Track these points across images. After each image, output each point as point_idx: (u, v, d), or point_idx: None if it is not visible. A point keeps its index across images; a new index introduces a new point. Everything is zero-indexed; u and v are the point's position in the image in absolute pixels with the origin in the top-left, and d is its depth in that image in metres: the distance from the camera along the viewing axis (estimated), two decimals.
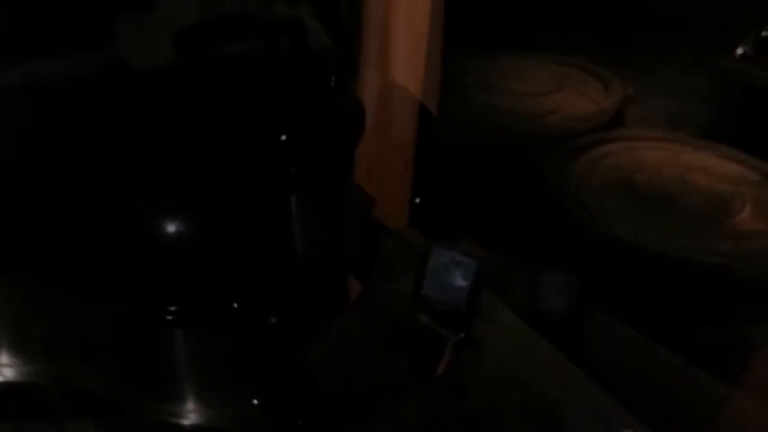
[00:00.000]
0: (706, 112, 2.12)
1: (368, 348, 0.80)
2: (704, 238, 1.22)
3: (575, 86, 1.69)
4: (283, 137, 0.78)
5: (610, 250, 1.24)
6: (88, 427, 0.70)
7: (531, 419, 0.71)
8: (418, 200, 0.91)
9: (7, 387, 0.73)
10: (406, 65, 1.17)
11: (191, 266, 0.74)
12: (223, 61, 0.78)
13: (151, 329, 0.74)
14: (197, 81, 0.75)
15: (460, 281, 0.80)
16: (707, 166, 1.42)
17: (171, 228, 0.70)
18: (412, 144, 1.42)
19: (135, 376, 0.73)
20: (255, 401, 0.74)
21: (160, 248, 0.71)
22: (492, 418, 0.72)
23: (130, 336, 0.74)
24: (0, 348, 0.75)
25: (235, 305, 0.75)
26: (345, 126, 0.87)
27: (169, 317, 0.72)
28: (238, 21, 0.80)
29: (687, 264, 1.16)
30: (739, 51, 1.76)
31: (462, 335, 0.77)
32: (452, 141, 1.61)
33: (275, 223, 0.77)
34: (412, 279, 0.86)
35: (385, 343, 0.79)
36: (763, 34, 1.75)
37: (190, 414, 0.70)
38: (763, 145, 1.55)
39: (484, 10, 1.83)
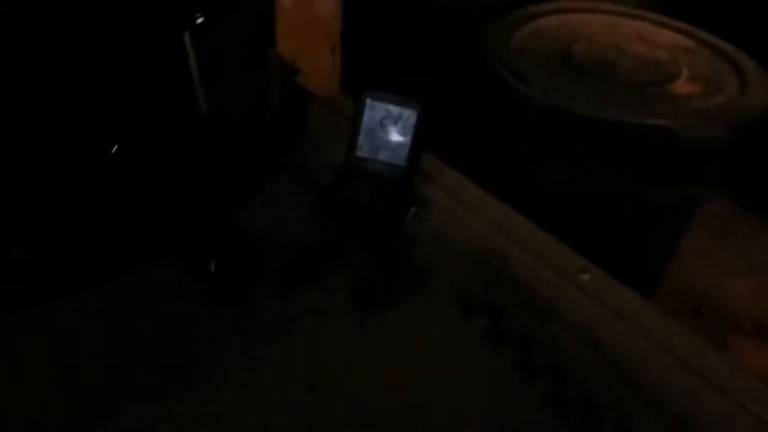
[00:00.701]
0: None
1: (297, 217, 0.70)
2: (644, 103, 1.16)
3: None
4: None
5: (550, 120, 1.17)
6: None
7: (479, 272, 0.64)
8: None
9: None
10: None
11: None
12: None
13: None
14: None
15: (399, 137, 0.70)
16: (642, 35, 1.36)
17: None
18: (337, 18, 1.29)
19: None
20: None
21: None
22: (438, 273, 0.64)
23: None
24: None
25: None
26: None
27: None
28: None
29: (629, 128, 1.11)
30: None
31: (411, 210, 0.68)
32: (382, 14, 1.49)
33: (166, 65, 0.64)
34: (342, 147, 0.77)
35: (317, 211, 0.70)
36: None
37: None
38: (692, 11, 1.51)
39: None
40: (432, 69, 1.48)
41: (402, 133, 0.70)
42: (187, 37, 0.63)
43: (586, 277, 0.62)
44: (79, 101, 0.61)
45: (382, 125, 0.71)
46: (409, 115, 0.70)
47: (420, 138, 0.70)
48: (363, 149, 0.71)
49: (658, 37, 1.35)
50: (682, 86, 1.22)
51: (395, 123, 0.70)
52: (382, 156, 0.71)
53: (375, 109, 0.70)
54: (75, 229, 0.66)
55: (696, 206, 1.25)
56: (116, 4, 0.60)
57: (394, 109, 0.70)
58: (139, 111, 0.64)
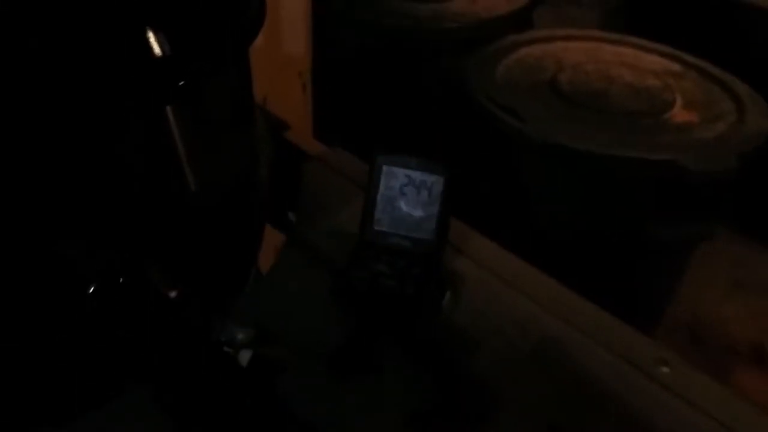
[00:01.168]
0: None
1: (309, 308, 0.59)
2: (643, 135, 1.09)
3: None
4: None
5: (545, 156, 1.09)
6: None
7: (540, 368, 0.54)
8: None
9: None
10: None
11: None
12: None
13: None
14: None
15: (424, 207, 0.59)
16: (627, 60, 1.29)
17: None
18: (307, 56, 1.18)
19: None
20: None
21: None
22: (483, 364, 0.53)
23: None
24: None
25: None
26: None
27: None
28: None
29: (631, 163, 1.03)
30: None
31: (447, 294, 0.57)
32: (354, 50, 1.39)
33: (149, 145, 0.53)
34: (348, 212, 0.65)
35: (334, 299, 0.58)
36: None
37: None
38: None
39: None
40: (406, 104, 1.39)
41: (427, 203, 0.59)
42: (170, 112, 0.51)
43: (666, 370, 0.53)
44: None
45: (403, 194, 0.60)
46: (435, 182, 0.59)
47: (449, 207, 0.59)
48: (381, 222, 0.60)
49: (644, 62, 1.29)
50: (679, 115, 1.16)
51: (418, 191, 0.59)
52: (405, 230, 0.59)
53: (393, 176, 0.59)
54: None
55: (701, 242, 1.18)
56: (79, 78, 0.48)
57: (417, 176, 0.59)
58: (116, 201, 0.51)
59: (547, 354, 0.54)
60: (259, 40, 1.18)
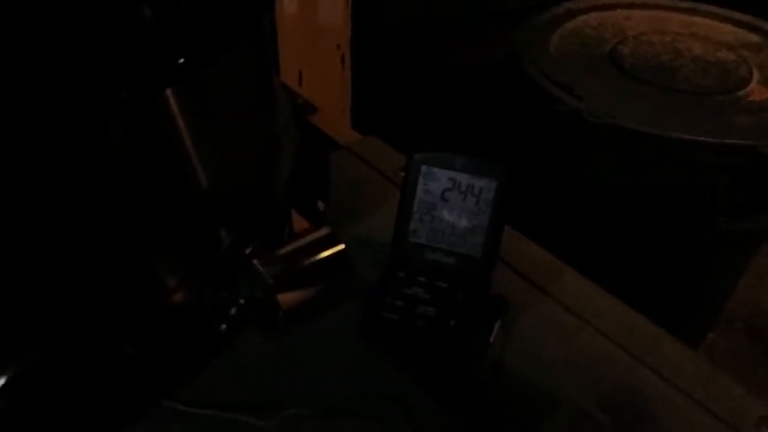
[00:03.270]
0: None
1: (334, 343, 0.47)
2: (716, 116, 0.93)
3: None
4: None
5: (603, 139, 0.93)
6: None
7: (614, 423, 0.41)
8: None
9: None
10: None
11: None
12: None
13: None
14: None
15: (470, 217, 0.47)
16: (698, 31, 1.11)
17: None
18: (346, 26, 1.05)
19: None
20: None
21: None
22: (537, 420, 0.41)
23: None
24: None
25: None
26: None
27: None
28: None
29: (702, 147, 0.87)
30: None
31: (497, 324, 0.44)
32: (395, 22, 1.25)
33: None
34: (381, 215, 0.53)
35: (361, 330, 0.46)
36: None
37: None
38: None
39: None
40: (455, 78, 1.24)
41: (475, 212, 0.46)
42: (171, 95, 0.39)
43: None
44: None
45: (445, 200, 0.47)
46: (485, 187, 0.46)
47: (501, 218, 0.46)
48: (419, 234, 0.47)
49: (717, 33, 1.11)
50: (756, 92, 0.98)
51: (464, 197, 0.46)
52: (447, 244, 0.47)
53: (434, 178, 0.47)
54: None
55: None
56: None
57: (463, 178, 0.46)
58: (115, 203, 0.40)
59: (619, 409, 0.42)
60: (293, 9, 1.04)
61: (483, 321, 0.45)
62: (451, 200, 0.47)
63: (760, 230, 1.00)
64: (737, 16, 1.14)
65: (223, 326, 0.48)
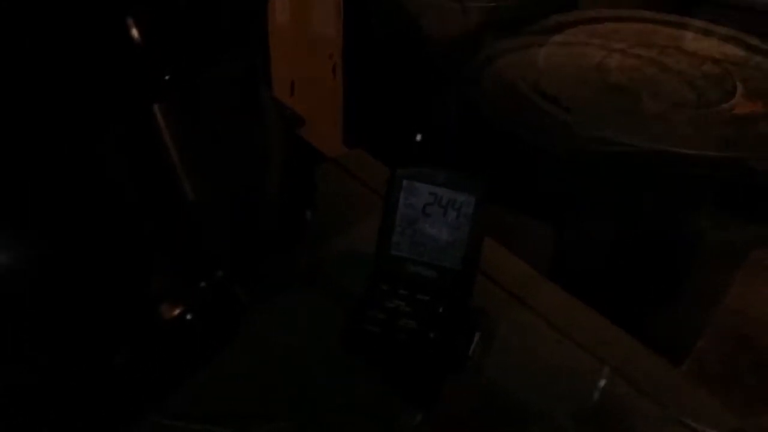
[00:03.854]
0: None
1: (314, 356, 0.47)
2: (703, 127, 0.93)
3: None
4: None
5: (595, 153, 0.94)
6: None
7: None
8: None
9: None
10: None
11: None
12: None
13: None
14: None
15: (451, 230, 0.47)
16: (683, 45, 1.13)
17: None
18: (339, 36, 1.06)
19: None
20: None
21: None
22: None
23: None
24: None
25: None
26: None
27: None
28: None
29: (687, 160, 0.88)
30: None
31: (476, 336, 0.45)
32: (387, 36, 1.25)
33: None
34: (366, 227, 0.54)
35: (344, 342, 0.46)
36: None
37: None
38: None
39: None
40: (443, 91, 1.25)
41: (455, 225, 0.47)
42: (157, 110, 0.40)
43: None
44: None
45: (427, 214, 0.47)
46: (465, 201, 0.46)
47: (481, 231, 0.47)
48: (400, 247, 0.48)
49: (702, 47, 1.12)
50: (741, 104, 0.99)
51: (445, 212, 0.47)
52: (428, 257, 0.47)
53: (415, 193, 0.47)
54: None
55: (756, 248, 1.02)
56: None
57: (444, 193, 0.47)
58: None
59: (595, 420, 0.42)
60: (285, 19, 1.04)
61: (463, 333, 0.46)
62: (433, 214, 0.47)
63: (747, 240, 1.00)
64: (723, 30, 1.15)
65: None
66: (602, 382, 0.43)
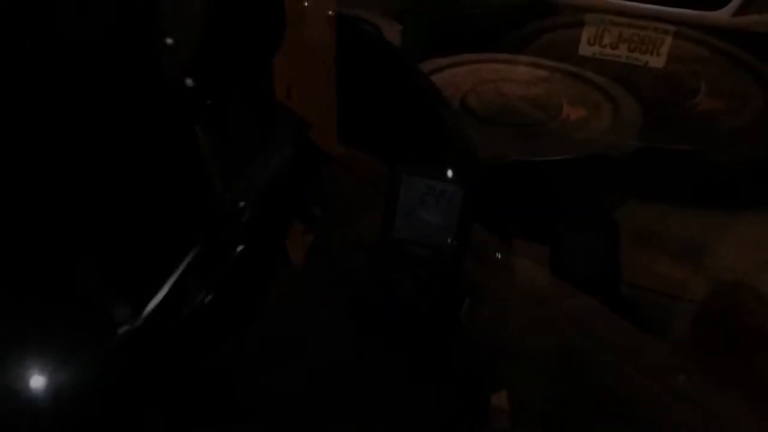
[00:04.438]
0: None
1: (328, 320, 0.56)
2: (669, 123, 1.03)
3: None
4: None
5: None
6: None
7: (556, 381, 0.50)
8: None
9: None
10: None
11: None
12: None
13: None
14: None
15: (443, 216, 0.56)
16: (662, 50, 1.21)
17: None
18: (332, 43, 1.13)
19: None
20: None
21: None
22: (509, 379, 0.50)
23: None
24: None
25: None
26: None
27: None
28: None
29: (659, 154, 0.97)
30: None
31: (466, 303, 0.54)
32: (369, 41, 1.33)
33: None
34: (367, 219, 0.62)
35: (352, 311, 0.55)
36: None
37: None
38: None
39: None
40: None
41: (447, 212, 0.56)
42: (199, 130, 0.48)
43: (683, 378, 0.49)
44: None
45: (423, 203, 0.56)
46: (454, 192, 0.55)
47: (468, 216, 0.55)
48: (402, 230, 0.57)
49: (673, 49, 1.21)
50: (704, 101, 1.09)
51: (438, 201, 0.56)
52: (425, 237, 0.56)
53: (413, 186, 0.56)
54: None
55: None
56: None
57: (437, 185, 0.56)
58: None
59: (568, 368, 0.51)
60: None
61: (455, 303, 0.55)
62: (428, 203, 0.56)
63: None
64: (689, 33, 1.24)
65: None
66: (567, 339, 0.52)
